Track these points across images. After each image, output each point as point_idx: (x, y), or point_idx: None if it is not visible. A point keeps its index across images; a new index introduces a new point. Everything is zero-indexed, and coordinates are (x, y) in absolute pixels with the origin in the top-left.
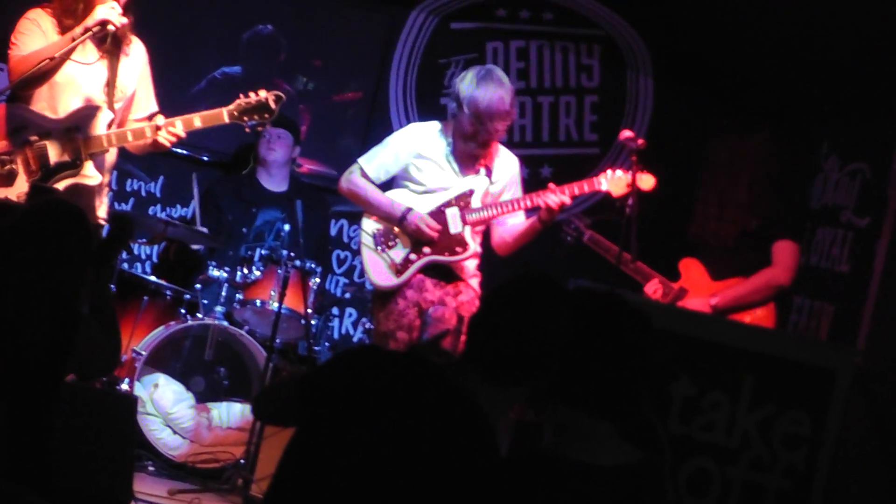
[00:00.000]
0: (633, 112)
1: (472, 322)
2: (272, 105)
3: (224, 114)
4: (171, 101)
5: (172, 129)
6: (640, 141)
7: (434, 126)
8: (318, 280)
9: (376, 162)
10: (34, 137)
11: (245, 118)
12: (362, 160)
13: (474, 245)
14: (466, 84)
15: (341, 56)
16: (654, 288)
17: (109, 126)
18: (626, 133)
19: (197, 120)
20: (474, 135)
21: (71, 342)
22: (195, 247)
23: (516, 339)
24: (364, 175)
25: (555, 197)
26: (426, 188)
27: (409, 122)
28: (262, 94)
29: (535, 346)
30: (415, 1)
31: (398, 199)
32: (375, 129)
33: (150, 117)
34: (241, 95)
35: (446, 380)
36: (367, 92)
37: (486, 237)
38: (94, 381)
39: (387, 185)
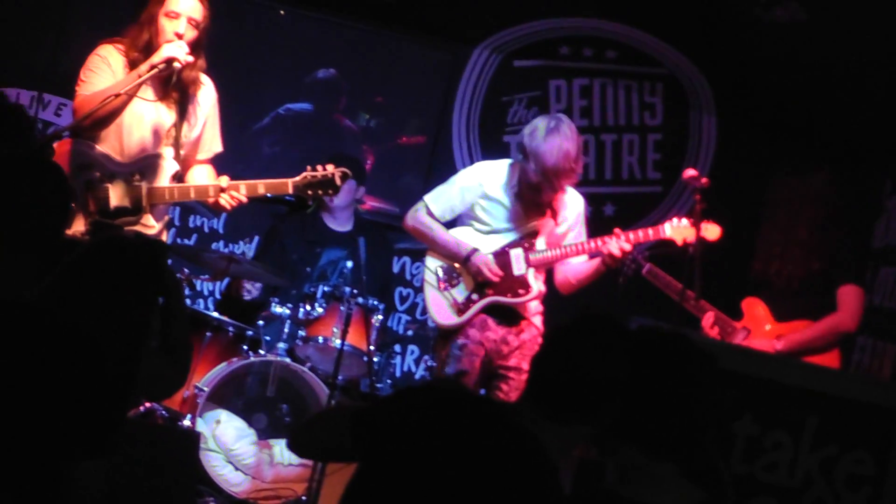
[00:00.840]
0: (696, 150)
1: (534, 360)
2: (337, 181)
3: (289, 185)
4: (234, 136)
5: (235, 194)
6: (704, 180)
7: (501, 165)
8: (380, 317)
9: (442, 200)
10: (97, 177)
11: (309, 191)
12: (428, 198)
13: (537, 286)
14: (535, 136)
15: (404, 93)
16: (711, 323)
17: (174, 177)
18: (690, 172)
19: (261, 187)
20: (538, 186)
21: (135, 375)
22: (248, 295)
23: (578, 377)
24: (429, 213)
25: (617, 245)
26: (491, 228)
27: (471, 158)
28: (329, 168)
29: (597, 385)
30: (478, 38)
31: (463, 237)
32: (438, 166)
33: (213, 158)
34: (308, 168)
35: (508, 419)
36: (430, 131)
37: (549, 274)
38: (159, 400)
39: (452, 223)
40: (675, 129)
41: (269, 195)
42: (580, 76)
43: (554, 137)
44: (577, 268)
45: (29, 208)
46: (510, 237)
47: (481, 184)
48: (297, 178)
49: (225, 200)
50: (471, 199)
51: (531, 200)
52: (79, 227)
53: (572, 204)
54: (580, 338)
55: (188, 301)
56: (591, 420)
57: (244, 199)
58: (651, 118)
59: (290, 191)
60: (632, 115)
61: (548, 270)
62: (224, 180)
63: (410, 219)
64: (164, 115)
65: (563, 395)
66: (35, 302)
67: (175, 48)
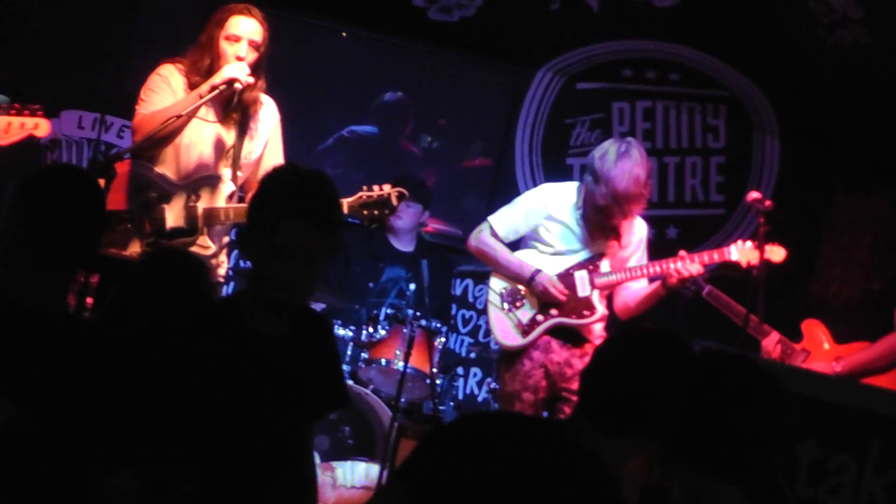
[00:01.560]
0: (759, 173)
1: (585, 373)
2: (394, 202)
3: (344, 205)
4: (297, 158)
5: None
6: (768, 202)
7: (567, 188)
8: (443, 339)
9: (506, 221)
10: (153, 197)
11: (365, 212)
12: (492, 219)
13: (602, 308)
14: (605, 160)
15: (467, 115)
16: (773, 345)
17: (230, 198)
18: (754, 194)
19: None
20: (606, 210)
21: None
22: (320, 305)
23: (632, 386)
24: (493, 234)
25: (684, 267)
26: (555, 250)
27: (534, 181)
28: (386, 188)
29: (653, 393)
30: (541, 61)
31: (527, 259)
32: (501, 189)
33: None
34: (364, 188)
35: (566, 437)
36: (493, 153)
37: (608, 299)
38: None
39: (515, 246)
40: (738, 151)
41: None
42: (643, 98)
43: (625, 162)
44: (636, 292)
45: (62, 222)
46: (575, 259)
47: (546, 205)
48: (352, 199)
49: None
50: (535, 220)
51: (597, 223)
52: (135, 248)
53: (636, 230)
54: (633, 348)
55: None
56: (647, 431)
57: None
58: (714, 141)
59: (346, 211)
60: (695, 137)
61: (608, 295)
62: None
63: (474, 240)
64: (224, 135)
65: (618, 406)
66: (98, 322)
67: (236, 69)
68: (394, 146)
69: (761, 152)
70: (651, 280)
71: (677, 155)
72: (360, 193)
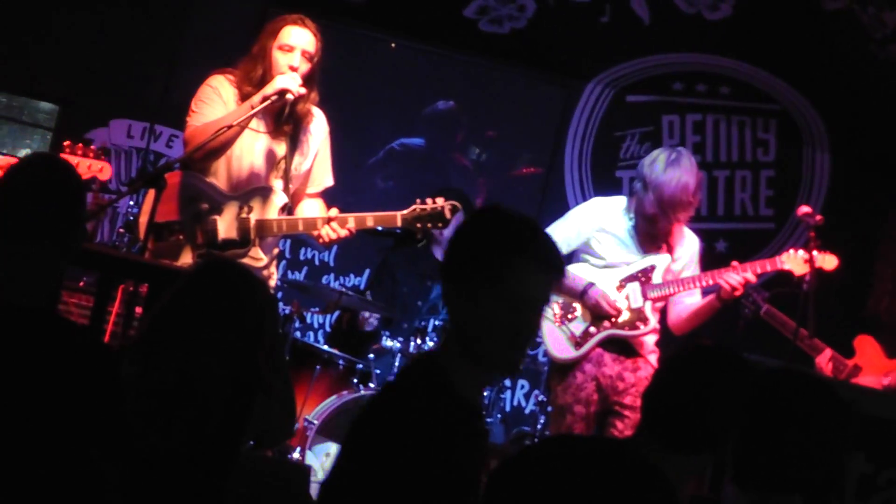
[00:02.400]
0: (809, 187)
1: (649, 392)
2: (447, 215)
3: (398, 218)
4: (347, 171)
5: (337, 227)
6: (818, 217)
7: (617, 201)
8: None
9: (557, 235)
10: (205, 209)
11: (418, 224)
12: None
13: (654, 321)
14: (655, 168)
15: (516, 127)
16: (825, 362)
17: (282, 210)
18: (804, 209)
19: (370, 220)
20: (654, 218)
21: (249, 408)
22: (369, 326)
23: (702, 404)
24: None
25: (737, 276)
26: (606, 262)
27: (583, 193)
28: (439, 202)
29: (721, 411)
30: (592, 73)
31: (579, 272)
32: (550, 201)
33: (324, 192)
34: (418, 201)
35: (634, 455)
36: (543, 164)
37: (662, 315)
38: (268, 449)
39: (567, 259)
40: (789, 165)
41: (378, 228)
42: (693, 112)
43: (674, 170)
44: (689, 305)
45: (29, 205)
46: (626, 271)
47: (597, 218)
48: (406, 212)
49: (326, 232)
50: (586, 233)
51: (647, 234)
52: (186, 259)
53: (688, 242)
54: (699, 364)
55: (298, 334)
56: (714, 448)
57: (349, 233)
58: (764, 154)
59: (399, 224)
60: (745, 151)
61: (661, 311)
62: (334, 212)
63: None
64: (275, 147)
65: (688, 423)
66: (143, 335)
67: (288, 80)
68: (444, 158)
69: (811, 166)
70: (704, 291)
71: (727, 168)
72: (414, 206)
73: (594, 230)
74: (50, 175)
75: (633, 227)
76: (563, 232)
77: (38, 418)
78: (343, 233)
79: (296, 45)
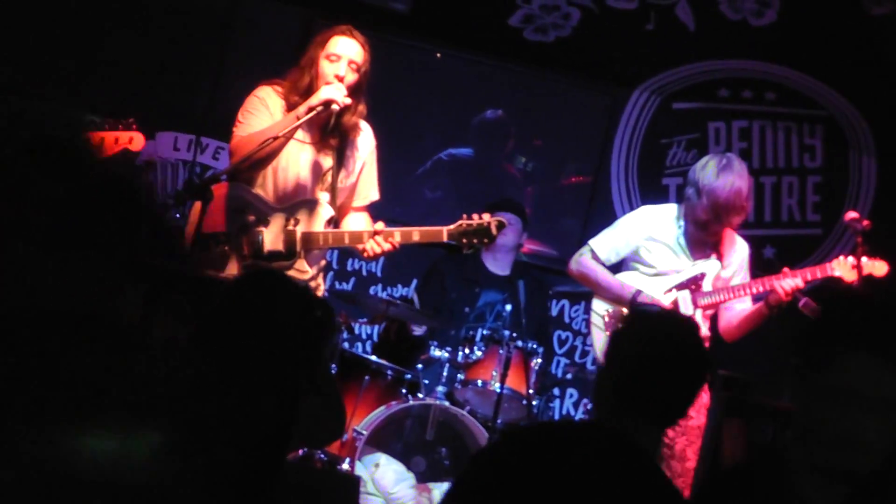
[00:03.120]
0: (856, 193)
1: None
2: (493, 231)
3: (444, 233)
4: (395, 182)
5: (390, 239)
6: (866, 222)
7: (666, 209)
8: (539, 360)
9: (607, 244)
10: (251, 220)
11: (464, 240)
12: (593, 242)
13: (704, 328)
14: (707, 173)
15: (563, 135)
16: None
17: (329, 222)
18: (852, 214)
19: (416, 235)
20: (706, 224)
21: (293, 417)
22: (417, 331)
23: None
24: (594, 257)
25: (789, 282)
26: (657, 270)
27: (630, 201)
28: (486, 217)
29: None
30: (637, 80)
31: (628, 281)
32: (597, 209)
33: (370, 206)
34: (464, 217)
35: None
36: (590, 172)
37: (713, 321)
38: (317, 448)
39: (617, 268)
40: (835, 170)
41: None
42: (739, 118)
43: (727, 174)
44: (739, 312)
45: (95, 220)
46: (676, 279)
47: (647, 226)
48: (452, 227)
49: (371, 246)
50: (636, 242)
51: (698, 241)
52: (232, 270)
53: (738, 249)
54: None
55: (346, 344)
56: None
57: (395, 246)
58: (811, 160)
59: (445, 239)
60: (791, 157)
61: (711, 318)
62: (379, 226)
63: (575, 263)
64: (321, 159)
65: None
66: (189, 343)
67: (333, 90)
68: (492, 168)
69: (858, 171)
70: (754, 299)
71: (774, 174)
72: (460, 222)
73: (643, 238)
74: (112, 198)
75: (683, 235)
76: (612, 241)
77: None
78: (387, 246)
79: (343, 54)
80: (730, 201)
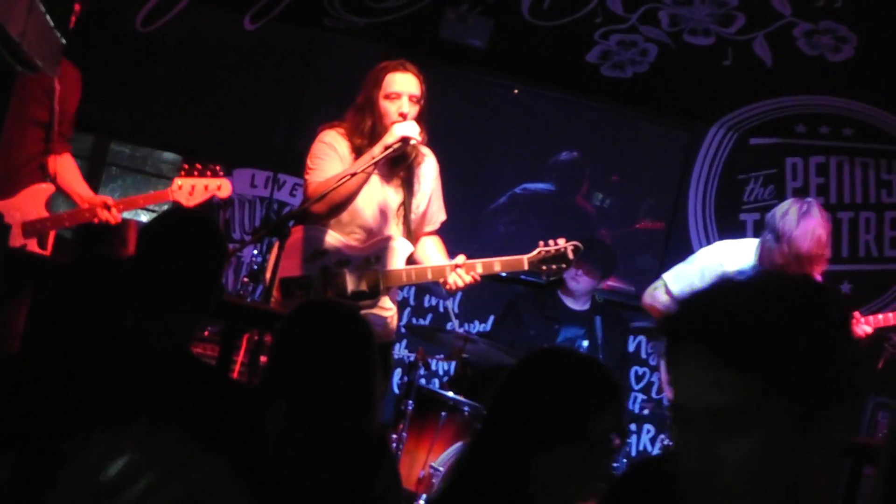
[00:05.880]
0: None
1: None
2: (570, 256)
3: (525, 262)
4: (471, 216)
5: (472, 273)
6: None
7: (743, 245)
8: None
9: (681, 278)
10: (333, 263)
11: (544, 267)
12: (667, 276)
13: None
14: (787, 220)
15: (640, 172)
16: None
17: (408, 259)
18: None
19: (497, 265)
20: (784, 269)
21: (376, 468)
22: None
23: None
24: (667, 292)
25: (858, 329)
26: None
27: (707, 236)
28: (561, 243)
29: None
30: (715, 116)
31: None
32: (674, 245)
33: (439, 229)
34: (542, 244)
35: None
36: (667, 212)
37: None
38: None
39: None
40: None
41: (503, 274)
42: (816, 154)
43: (808, 222)
44: None
45: (182, 266)
46: None
47: (722, 263)
48: (532, 255)
49: (454, 280)
50: (710, 277)
51: None
52: None
53: None
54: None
55: (423, 381)
56: None
57: (476, 279)
58: (888, 195)
59: (526, 267)
60: (868, 192)
61: None
62: (461, 259)
63: (648, 297)
64: (392, 195)
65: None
66: (263, 382)
67: (407, 127)
68: (568, 203)
69: None
70: None
71: (851, 210)
72: (538, 249)
73: (717, 274)
74: (192, 238)
75: None
76: (686, 275)
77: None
78: (468, 279)
79: (402, 91)
80: (812, 250)
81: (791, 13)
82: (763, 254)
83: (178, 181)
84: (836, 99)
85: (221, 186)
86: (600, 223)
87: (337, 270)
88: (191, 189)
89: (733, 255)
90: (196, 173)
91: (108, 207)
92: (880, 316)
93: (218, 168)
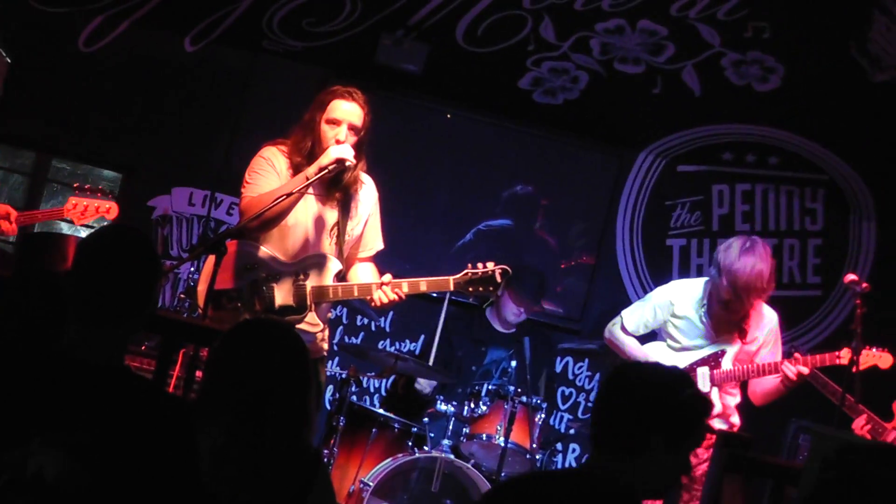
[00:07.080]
0: (856, 255)
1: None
2: (497, 279)
3: (451, 282)
4: (439, 254)
5: (397, 290)
6: (865, 284)
7: (695, 284)
8: (543, 416)
9: (636, 316)
10: (262, 277)
11: (470, 288)
12: (625, 313)
13: (719, 405)
14: (730, 254)
15: (569, 196)
16: (862, 424)
17: (337, 276)
18: (851, 276)
19: (423, 285)
20: (728, 303)
21: (311, 482)
22: (427, 388)
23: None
24: (623, 328)
25: (793, 368)
26: (682, 345)
27: (634, 261)
28: (490, 266)
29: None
30: (643, 144)
31: (655, 353)
32: (602, 269)
33: (375, 256)
34: (469, 266)
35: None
36: (594, 234)
37: (744, 387)
38: None
39: (646, 338)
40: (836, 234)
41: (433, 294)
42: (743, 181)
43: (748, 257)
44: (763, 384)
45: (118, 281)
46: (699, 355)
47: (672, 302)
48: (458, 276)
49: (379, 296)
50: (662, 316)
51: (722, 318)
52: None
53: (766, 321)
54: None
55: (354, 398)
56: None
57: (401, 297)
58: (812, 223)
59: (451, 288)
60: (793, 220)
61: (742, 384)
62: (387, 278)
63: (607, 332)
64: (327, 214)
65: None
66: (199, 398)
67: (342, 150)
68: (528, 235)
69: (858, 235)
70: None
71: (776, 237)
72: (466, 271)
73: (669, 314)
74: (128, 253)
75: (706, 313)
76: (641, 313)
77: (119, 471)
78: (394, 297)
79: (343, 118)
80: (751, 283)
81: (720, 43)
82: (711, 289)
83: (72, 200)
84: (762, 128)
85: (110, 209)
86: (560, 255)
87: (266, 284)
88: (84, 208)
89: (683, 294)
90: (88, 194)
91: (7, 218)
92: (818, 357)
93: (108, 192)
